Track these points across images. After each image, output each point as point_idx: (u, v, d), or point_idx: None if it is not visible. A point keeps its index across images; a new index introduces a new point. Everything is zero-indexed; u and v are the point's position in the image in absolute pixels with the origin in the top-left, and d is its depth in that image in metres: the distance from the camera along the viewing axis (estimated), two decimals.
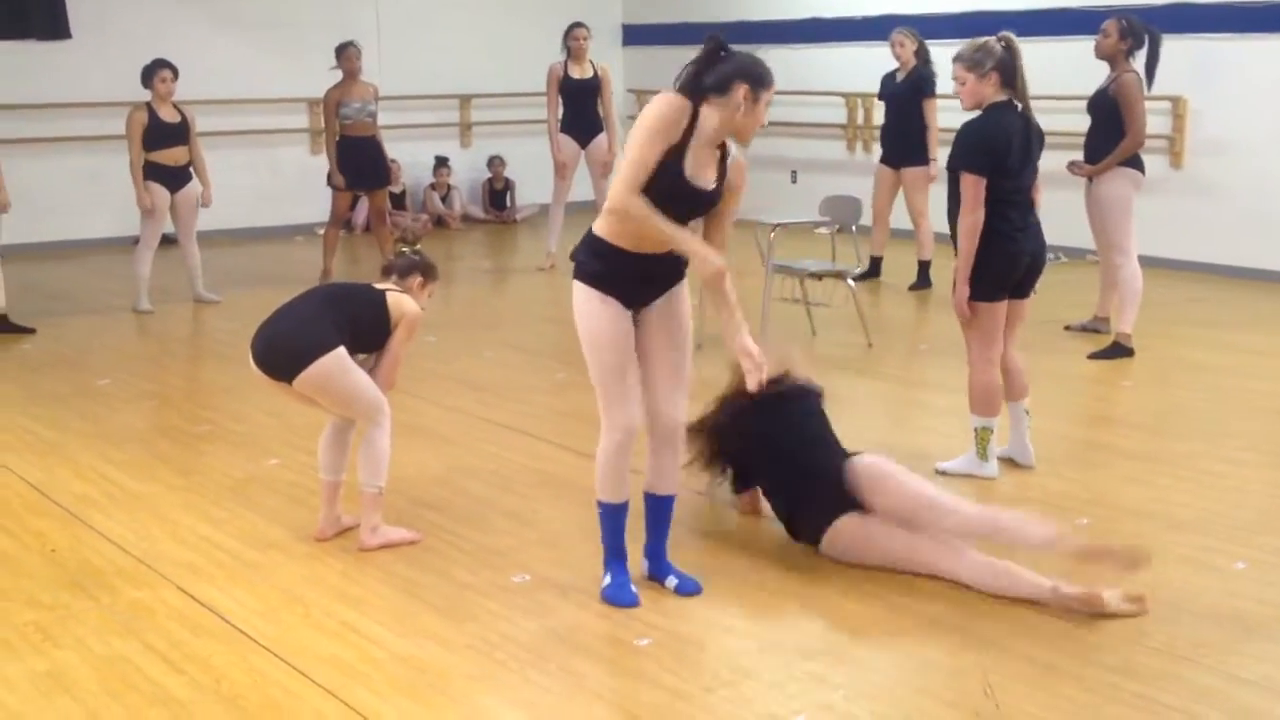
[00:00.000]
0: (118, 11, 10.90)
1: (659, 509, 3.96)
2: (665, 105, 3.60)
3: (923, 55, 8.94)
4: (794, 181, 11.97)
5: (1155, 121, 9.13)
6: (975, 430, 4.97)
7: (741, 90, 3.61)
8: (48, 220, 10.57)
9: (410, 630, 3.70)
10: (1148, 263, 7.89)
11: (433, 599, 3.92)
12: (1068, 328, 7.41)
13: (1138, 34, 7.00)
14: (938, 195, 6.96)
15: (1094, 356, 6.93)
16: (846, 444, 4.31)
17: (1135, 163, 7.01)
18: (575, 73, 9.52)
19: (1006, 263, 4.80)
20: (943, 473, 4.95)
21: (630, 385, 3.75)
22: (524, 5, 12.87)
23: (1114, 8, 9.57)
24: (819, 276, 7.40)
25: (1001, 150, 4.69)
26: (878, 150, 11.34)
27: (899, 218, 9.23)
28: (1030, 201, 4.90)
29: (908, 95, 8.95)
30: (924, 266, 8.96)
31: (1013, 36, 4.76)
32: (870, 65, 11.30)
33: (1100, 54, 7.14)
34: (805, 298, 7.50)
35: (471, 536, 4.43)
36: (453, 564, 4.19)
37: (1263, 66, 8.93)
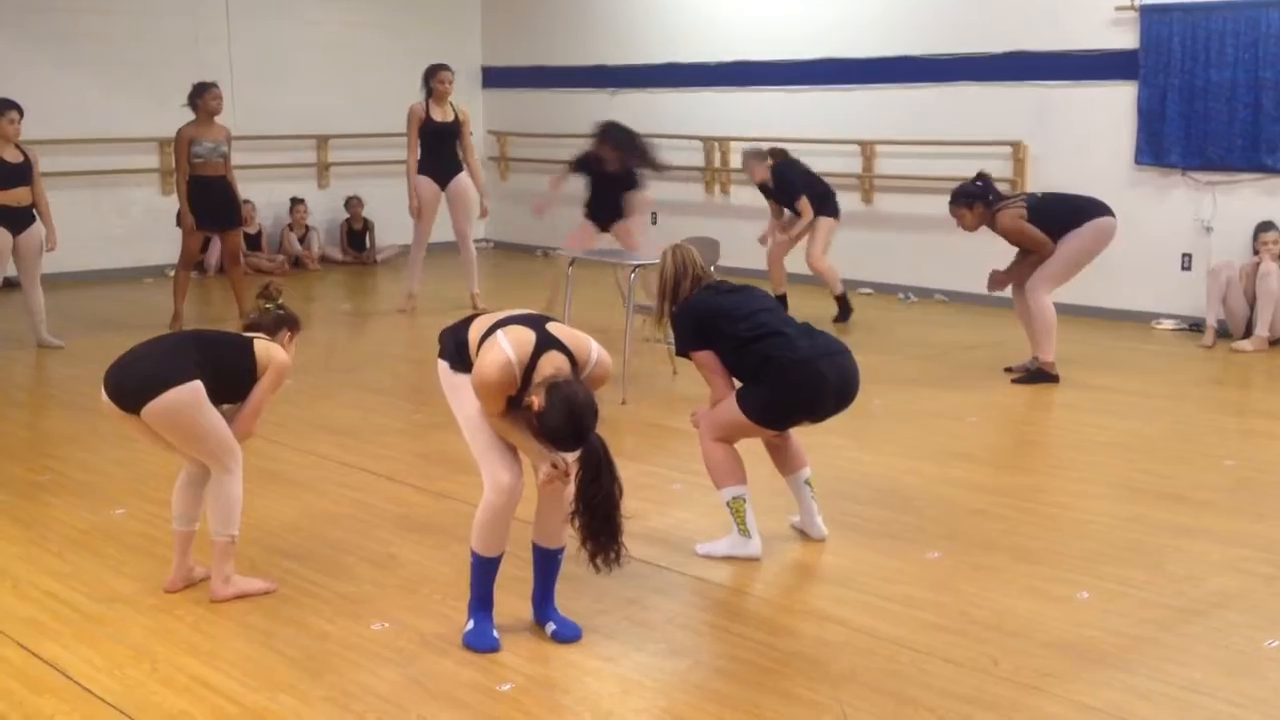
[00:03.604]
0: None
1: (547, 561, 3.96)
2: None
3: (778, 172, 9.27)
4: (654, 223, 12.09)
5: (997, 165, 9.53)
6: (726, 505, 4.59)
7: None
8: None
9: (264, 684, 3.62)
10: (998, 304, 8.22)
11: (289, 650, 3.83)
12: (1008, 369, 7.59)
13: (980, 191, 7.45)
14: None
15: (1019, 381, 7.35)
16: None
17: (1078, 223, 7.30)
18: (437, 115, 9.51)
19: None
20: (705, 556, 4.57)
21: (508, 447, 3.79)
22: (382, 46, 12.80)
23: (956, 55, 10.00)
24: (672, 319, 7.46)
25: None
26: (735, 193, 11.62)
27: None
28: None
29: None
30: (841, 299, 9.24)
31: None
32: (727, 109, 11.57)
33: (971, 229, 7.56)
34: (666, 338, 7.58)
35: (329, 584, 4.35)
36: (310, 613, 4.10)
37: (1097, 112, 9.37)
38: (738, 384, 4.57)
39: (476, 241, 10.31)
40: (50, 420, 6.91)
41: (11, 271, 8.28)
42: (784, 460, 4.74)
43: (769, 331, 4.49)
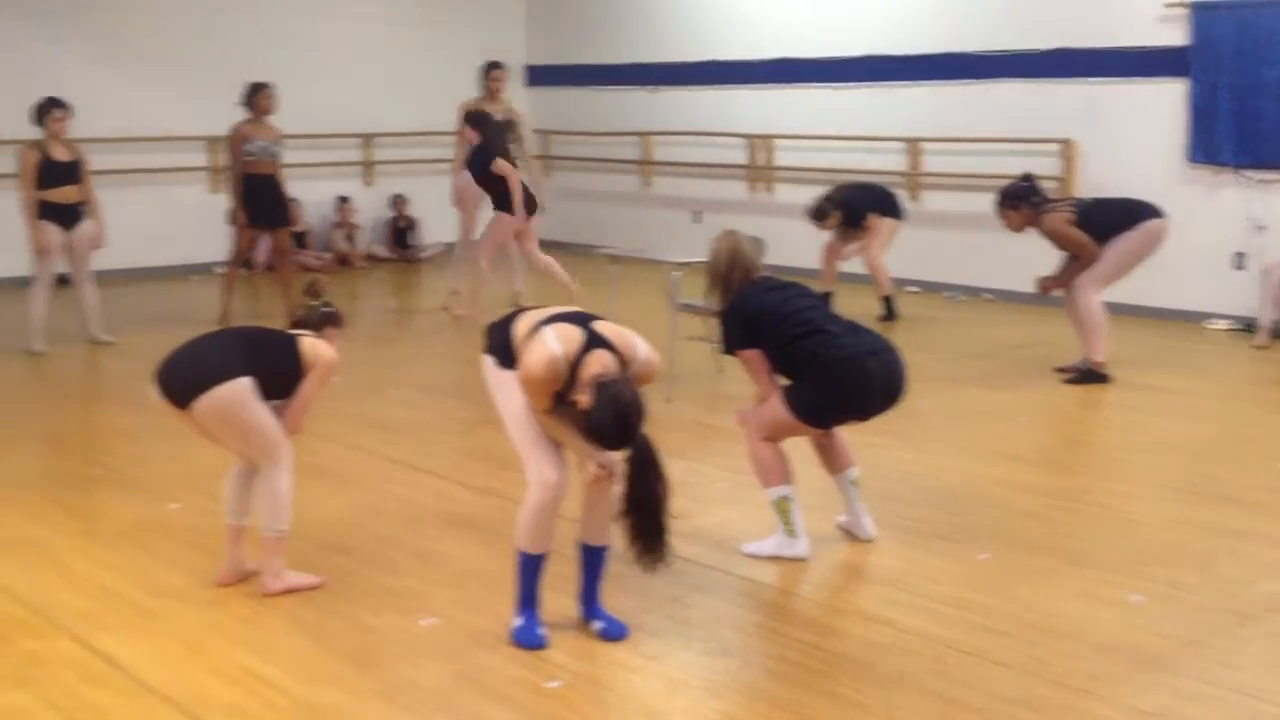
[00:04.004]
0: (9, 49, 10.66)
1: (592, 559, 3.96)
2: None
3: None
4: (697, 221, 12.09)
5: (1046, 163, 9.44)
6: (773, 504, 4.59)
7: None
8: None
9: (315, 677, 3.64)
10: (1048, 303, 8.14)
11: (338, 644, 3.86)
12: (1059, 369, 7.51)
13: (1025, 192, 7.41)
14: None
15: (1070, 381, 7.27)
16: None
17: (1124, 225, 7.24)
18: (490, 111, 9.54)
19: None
20: (751, 556, 4.56)
21: (553, 444, 3.80)
22: (427, 44, 12.87)
23: (1003, 52, 9.92)
24: (718, 315, 7.45)
25: None
26: (780, 190, 11.58)
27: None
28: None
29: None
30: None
31: None
32: (770, 107, 11.54)
33: (1017, 229, 7.52)
34: (710, 336, 7.56)
35: (377, 579, 4.38)
36: (358, 607, 4.13)
37: (1147, 109, 9.26)
38: (783, 382, 4.55)
39: None
40: (103, 415, 7.00)
41: (63, 268, 8.38)
42: (831, 459, 4.72)
43: (815, 329, 4.47)
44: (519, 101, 13.34)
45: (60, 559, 4.58)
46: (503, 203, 8.90)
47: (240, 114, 9.04)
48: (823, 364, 4.41)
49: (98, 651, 3.80)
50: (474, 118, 8.96)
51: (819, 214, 9.15)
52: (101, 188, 8.61)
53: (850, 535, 4.77)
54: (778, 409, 4.50)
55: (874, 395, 4.47)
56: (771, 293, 4.59)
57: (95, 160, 8.59)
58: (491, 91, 9.55)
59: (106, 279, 9.08)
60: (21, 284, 8.62)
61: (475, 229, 9.82)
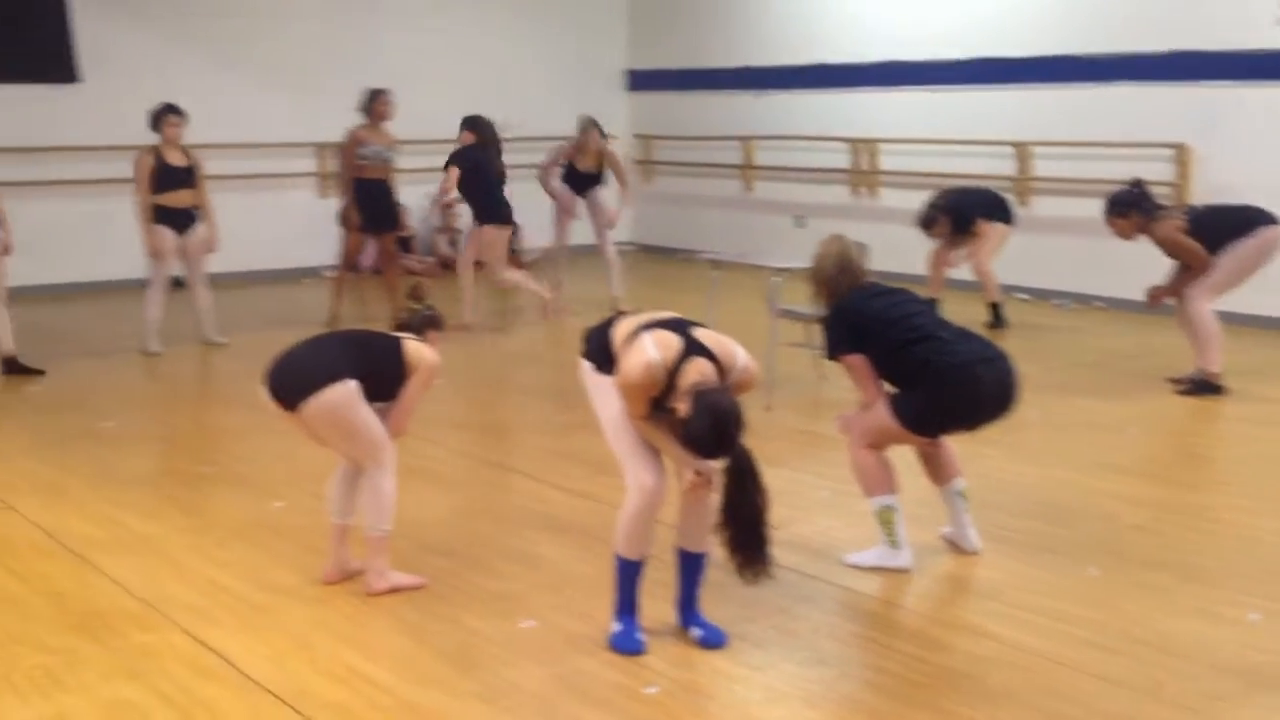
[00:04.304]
0: (127, 55, 10.99)
1: (690, 565, 3.94)
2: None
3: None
4: (799, 226, 12.01)
5: (1158, 168, 9.20)
6: (875, 514, 4.51)
7: None
8: (58, 263, 10.62)
9: (417, 677, 3.68)
10: (1162, 313, 7.92)
11: (440, 644, 3.90)
12: (1172, 380, 7.31)
13: (1135, 199, 7.24)
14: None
15: (1183, 392, 7.08)
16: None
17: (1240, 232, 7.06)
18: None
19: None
20: (853, 566, 4.49)
21: (651, 449, 3.79)
22: (530, 51, 12.98)
23: (1116, 54, 9.69)
24: (821, 322, 7.38)
25: None
26: (885, 195, 11.45)
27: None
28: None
29: None
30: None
31: None
32: (874, 110, 11.42)
33: (1128, 237, 7.36)
34: (811, 342, 7.50)
35: (478, 581, 4.42)
36: (460, 609, 4.17)
37: (1265, 113, 8.98)
38: (889, 388, 4.49)
39: (617, 244, 10.40)
40: (215, 415, 7.18)
41: (178, 271, 8.61)
42: (937, 469, 4.64)
43: (924, 335, 4.40)
44: (619, 106, 13.51)
45: (173, 555, 4.69)
46: (486, 214, 8.94)
47: (356, 119, 9.22)
48: (934, 371, 4.33)
49: (208, 646, 3.88)
50: (470, 120, 9.05)
51: (927, 222, 9.01)
52: (215, 192, 8.82)
53: (954, 547, 4.68)
54: (883, 416, 4.43)
55: (985, 404, 4.38)
56: (878, 297, 4.53)
57: (209, 165, 8.81)
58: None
59: (220, 282, 9.30)
60: (139, 286, 8.88)
61: (569, 234, 10.02)
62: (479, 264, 9.24)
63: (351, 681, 3.65)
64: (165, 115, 8.34)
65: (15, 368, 7.63)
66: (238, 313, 9.64)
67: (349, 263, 9.55)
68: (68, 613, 4.14)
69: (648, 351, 3.64)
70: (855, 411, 4.60)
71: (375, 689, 3.61)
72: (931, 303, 4.74)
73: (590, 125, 9.82)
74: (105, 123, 10.57)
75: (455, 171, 8.86)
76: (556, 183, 9.91)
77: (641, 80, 13.67)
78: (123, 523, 5.05)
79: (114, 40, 10.91)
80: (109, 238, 10.56)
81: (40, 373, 7.67)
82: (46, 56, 10.66)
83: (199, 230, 8.49)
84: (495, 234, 9.00)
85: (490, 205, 9.02)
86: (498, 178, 9.15)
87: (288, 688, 3.60)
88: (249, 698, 3.56)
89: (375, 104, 9.19)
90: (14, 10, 10.52)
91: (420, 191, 12.24)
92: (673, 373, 3.62)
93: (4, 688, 3.61)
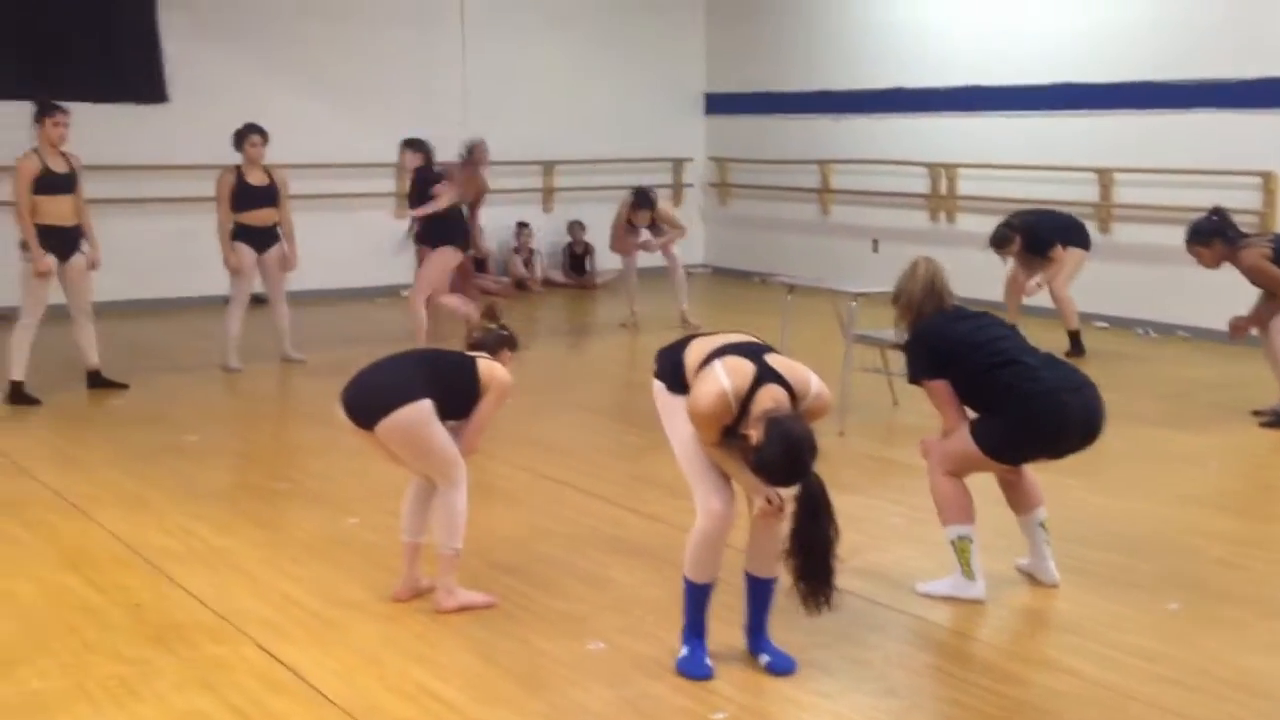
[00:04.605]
0: (214, 77, 11.23)
1: (759, 590, 3.91)
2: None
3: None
4: (875, 250, 11.93)
5: (1244, 196, 9.01)
6: (951, 543, 4.42)
7: None
8: (142, 279, 10.84)
9: (485, 696, 3.69)
10: (1247, 343, 7.73)
11: (508, 664, 3.90)
12: (1256, 412, 7.15)
13: (1217, 228, 7.12)
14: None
15: (1267, 425, 6.93)
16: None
17: None
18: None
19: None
20: (925, 595, 4.43)
21: (721, 472, 3.77)
22: (609, 74, 13.06)
23: (1201, 80, 9.51)
24: (901, 347, 7.31)
25: None
26: (962, 220, 11.33)
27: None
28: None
29: None
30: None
31: None
32: (954, 135, 11.32)
33: (1211, 266, 7.24)
34: (887, 368, 7.44)
35: (546, 601, 4.42)
36: (529, 629, 4.17)
37: None
38: (971, 414, 4.42)
39: (692, 266, 10.47)
40: (291, 431, 7.28)
41: (259, 288, 8.75)
42: (1019, 499, 4.55)
43: (1009, 359, 4.33)
44: (697, 130, 13.54)
45: (247, 568, 4.75)
46: (440, 236, 8.76)
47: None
48: (1019, 397, 4.26)
49: (279, 659, 3.92)
50: (413, 141, 8.93)
51: (1000, 240, 8.88)
52: (296, 211, 8.96)
53: (1030, 578, 4.59)
54: (965, 442, 4.36)
55: (1069, 433, 4.30)
56: (962, 321, 4.47)
57: (291, 185, 8.94)
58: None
59: (298, 299, 9.43)
60: (222, 303, 9.04)
61: (636, 260, 10.32)
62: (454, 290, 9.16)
63: (420, 699, 3.67)
64: (248, 135, 8.51)
65: (99, 381, 7.80)
66: (315, 330, 9.77)
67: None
68: (144, 624, 4.21)
69: (720, 380, 3.62)
70: (937, 437, 4.53)
71: (443, 707, 3.61)
72: (1014, 328, 4.67)
73: (646, 202, 10.09)
74: (192, 142, 10.80)
75: (447, 187, 8.76)
76: (624, 245, 10.28)
77: (718, 103, 13.68)
78: (199, 536, 5.12)
79: (202, 62, 11.15)
80: (193, 255, 10.76)
81: (124, 387, 7.83)
82: (137, 78, 10.93)
83: (279, 248, 8.62)
84: (449, 256, 8.82)
85: (447, 228, 8.82)
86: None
87: (357, 703, 3.63)
88: (319, 712, 3.59)
89: (475, 153, 9.71)
90: (107, 33, 10.81)
91: (495, 213, 12.38)
92: (745, 400, 3.60)
93: (79, 696, 3.68)
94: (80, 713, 3.59)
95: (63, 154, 7.46)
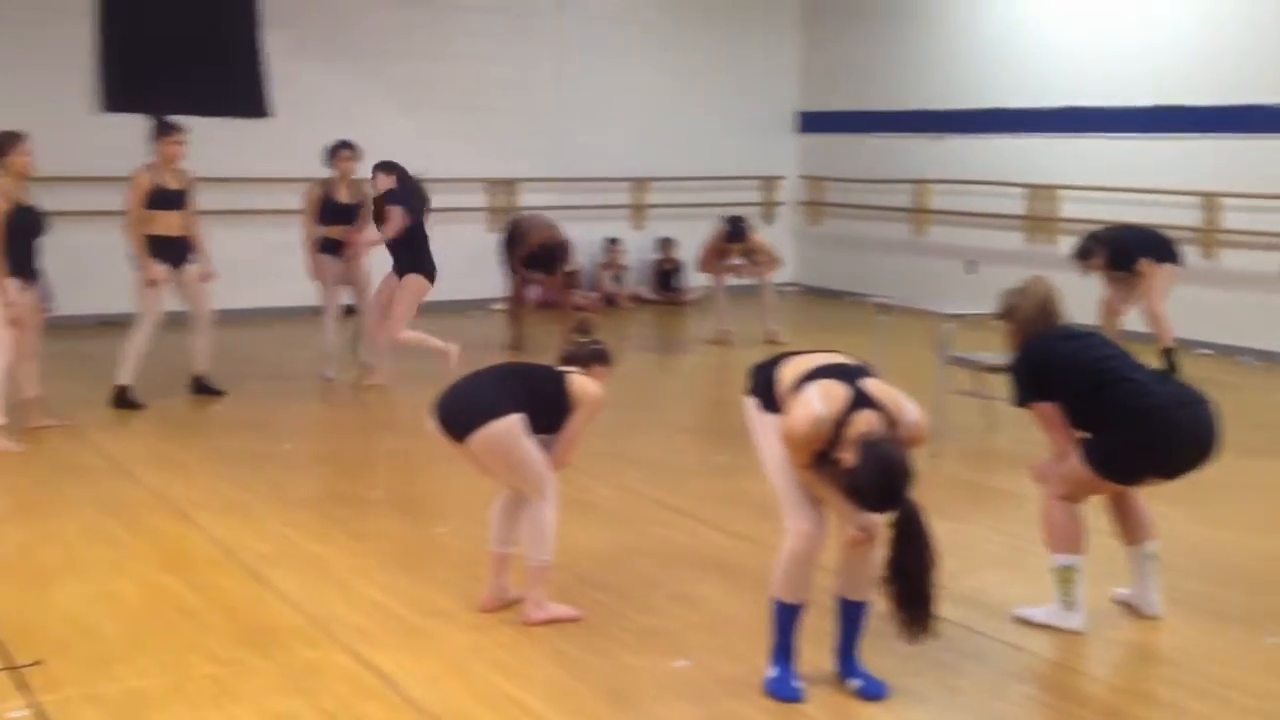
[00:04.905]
0: (315, 92, 11.43)
1: (851, 614, 3.86)
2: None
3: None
4: (971, 272, 11.76)
5: None
6: (1055, 570, 4.32)
7: None
8: (245, 288, 11.04)
9: (571, 709, 3.68)
10: None
11: (594, 679, 3.89)
12: None
13: None
14: None
15: None
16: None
17: None
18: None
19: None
20: (1022, 620, 4.36)
21: (812, 493, 3.73)
22: (703, 91, 13.07)
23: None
24: (998, 370, 7.20)
25: None
26: (1063, 242, 11.13)
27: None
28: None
29: None
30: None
31: None
32: (1054, 157, 11.13)
33: None
34: (981, 390, 7.32)
35: (634, 617, 4.40)
36: (615, 644, 4.16)
37: None
38: (1080, 435, 4.31)
39: (782, 285, 10.45)
40: (383, 440, 7.35)
41: (348, 300, 8.87)
42: (1132, 528, 4.42)
43: (1119, 378, 4.23)
44: (789, 148, 13.49)
45: (339, 575, 4.80)
46: (411, 264, 8.30)
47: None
48: (1130, 415, 4.15)
49: (370, 665, 3.96)
50: (389, 165, 8.39)
51: (1084, 252, 8.67)
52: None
53: (1130, 610, 4.47)
54: (1076, 464, 4.25)
55: (1183, 450, 4.18)
56: (1069, 341, 4.37)
57: None
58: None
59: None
60: (319, 313, 9.17)
61: (725, 274, 10.34)
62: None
63: (506, 709, 3.67)
64: (339, 150, 8.66)
65: (201, 387, 7.97)
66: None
67: (516, 295, 9.75)
68: (239, 626, 4.28)
69: (813, 405, 3.57)
70: (1049, 460, 4.44)
71: (529, 718, 3.61)
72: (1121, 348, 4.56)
73: (739, 232, 10.15)
74: (293, 156, 11.00)
75: (400, 213, 8.22)
76: (714, 267, 10.34)
77: (812, 122, 13.61)
78: (293, 541, 5.20)
79: (304, 79, 11.35)
80: (292, 265, 10.93)
81: (222, 393, 7.99)
82: (243, 92, 11.17)
83: (363, 262, 8.73)
84: (417, 285, 8.36)
85: (416, 255, 8.38)
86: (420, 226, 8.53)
87: (445, 711, 3.64)
88: (407, 718, 3.61)
89: None
90: (213, 50, 11.07)
91: (586, 229, 12.44)
92: (839, 424, 3.55)
93: (176, 696, 3.74)
94: (177, 712, 3.65)
95: (177, 170, 7.67)
